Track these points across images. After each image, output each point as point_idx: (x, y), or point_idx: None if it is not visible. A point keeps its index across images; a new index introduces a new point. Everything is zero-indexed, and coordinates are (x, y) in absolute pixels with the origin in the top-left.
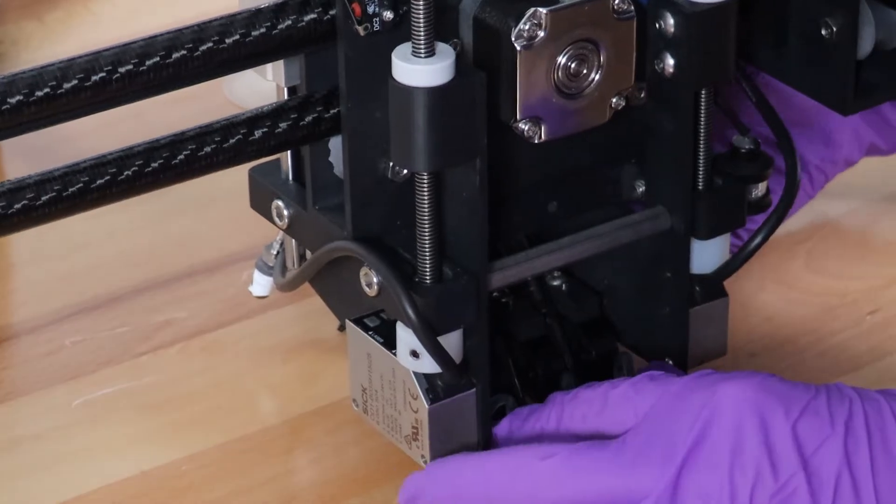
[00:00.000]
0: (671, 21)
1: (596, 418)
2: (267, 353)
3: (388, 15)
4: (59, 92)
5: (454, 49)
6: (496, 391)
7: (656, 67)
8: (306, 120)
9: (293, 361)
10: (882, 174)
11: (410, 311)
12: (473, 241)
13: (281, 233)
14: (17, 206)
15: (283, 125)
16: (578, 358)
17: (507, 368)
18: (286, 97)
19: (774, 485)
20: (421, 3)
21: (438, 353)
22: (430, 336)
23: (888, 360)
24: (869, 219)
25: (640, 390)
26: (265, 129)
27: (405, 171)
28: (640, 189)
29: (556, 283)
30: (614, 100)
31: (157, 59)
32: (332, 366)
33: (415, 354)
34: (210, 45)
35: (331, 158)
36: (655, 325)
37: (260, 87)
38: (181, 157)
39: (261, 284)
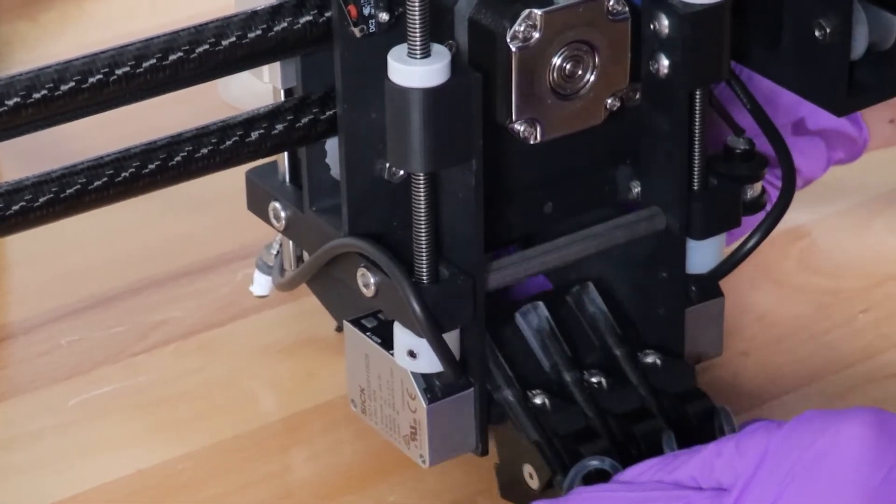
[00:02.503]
0: (665, 22)
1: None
2: (263, 352)
3: (384, 16)
4: (56, 94)
5: (450, 51)
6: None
7: (651, 68)
8: (302, 121)
9: (289, 360)
10: (874, 173)
11: (416, 305)
12: (470, 241)
13: (279, 234)
14: (15, 207)
15: (279, 127)
16: (678, 425)
17: (602, 442)
18: (283, 99)
19: None
20: (416, 3)
21: (441, 349)
22: (434, 331)
23: (880, 358)
24: (861, 217)
25: (744, 452)
26: (261, 131)
27: (401, 172)
28: (636, 190)
29: (649, 360)
30: (609, 101)
31: (154, 60)
32: (329, 364)
33: (412, 354)
34: (206, 46)
35: (327, 160)
36: (651, 325)
37: (255, 87)
38: (178, 158)
39: (261, 284)
